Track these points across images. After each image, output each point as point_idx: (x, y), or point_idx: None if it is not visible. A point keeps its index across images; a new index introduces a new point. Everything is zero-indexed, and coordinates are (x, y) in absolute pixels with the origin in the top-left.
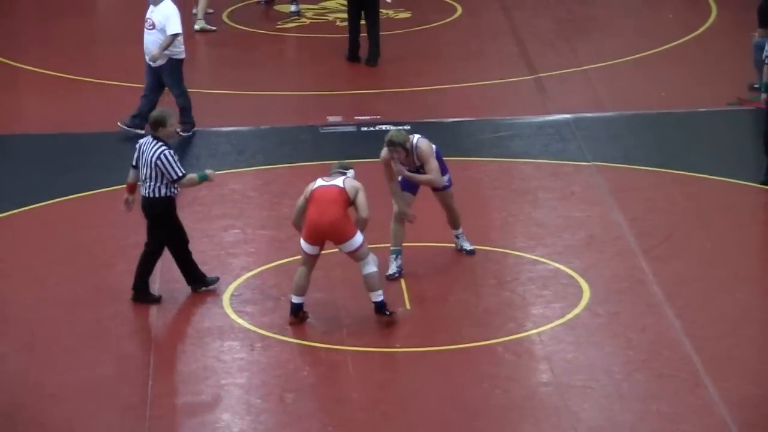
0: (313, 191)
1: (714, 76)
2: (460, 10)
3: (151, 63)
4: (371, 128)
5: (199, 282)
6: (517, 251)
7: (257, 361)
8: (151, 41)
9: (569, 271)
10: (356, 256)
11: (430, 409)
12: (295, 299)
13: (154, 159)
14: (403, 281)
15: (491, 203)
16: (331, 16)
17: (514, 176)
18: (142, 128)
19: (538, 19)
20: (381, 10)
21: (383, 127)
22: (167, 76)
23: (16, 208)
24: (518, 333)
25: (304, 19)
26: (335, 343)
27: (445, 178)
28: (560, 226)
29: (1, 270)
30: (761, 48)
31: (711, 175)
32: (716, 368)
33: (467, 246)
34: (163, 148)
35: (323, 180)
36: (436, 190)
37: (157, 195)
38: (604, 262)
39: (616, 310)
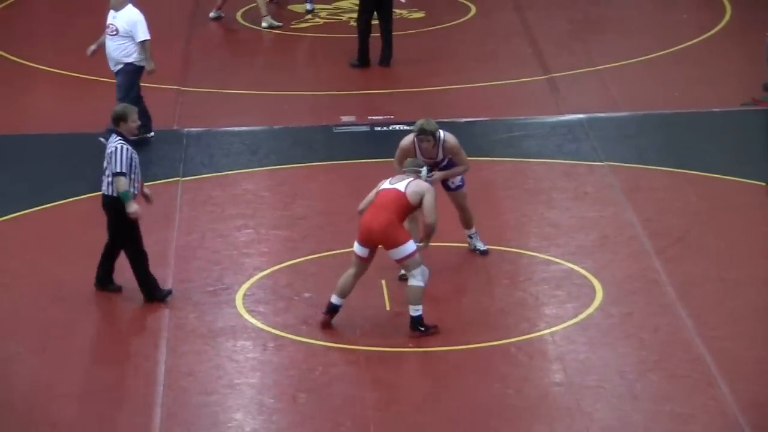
0: (378, 193)
1: (728, 76)
2: (473, 10)
3: (113, 69)
4: (384, 128)
5: (103, 282)
6: (531, 251)
7: (270, 360)
8: (114, 47)
9: (582, 272)
10: (404, 265)
11: (443, 409)
12: (335, 300)
13: (108, 152)
14: None
15: (504, 203)
16: (344, 16)
17: (527, 176)
18: (148, 131)
19: (551, 19)
20: (394, 10)
21: (396, 127)
22: (122, 76)
23: (30, 208)
24: (531, 333)
25: (317, 19)
26: (348, 343)
27: (458, 177)
28: (573, 227)
29: (14, 270)
30: None
31: (725, 175)
32: (729, 369)
33: (480, 246)
34: (120, 142)
35: (390, 181)
36: (449, 189)
37: (108, 190)
38: (617, 262)
39: (629, 311)
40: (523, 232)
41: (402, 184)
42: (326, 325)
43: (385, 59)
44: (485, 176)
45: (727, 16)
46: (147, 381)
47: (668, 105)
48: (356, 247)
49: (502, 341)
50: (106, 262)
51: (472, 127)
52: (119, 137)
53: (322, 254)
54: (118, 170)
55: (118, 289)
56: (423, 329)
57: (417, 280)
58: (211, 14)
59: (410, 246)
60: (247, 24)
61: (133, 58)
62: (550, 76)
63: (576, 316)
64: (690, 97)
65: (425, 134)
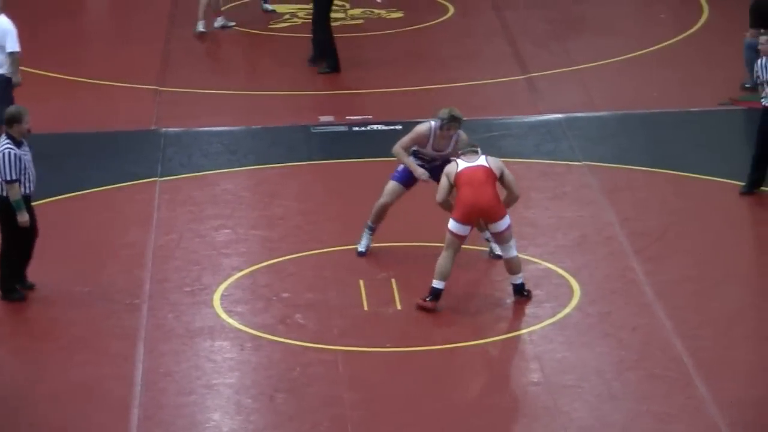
0: (458, 173)
1: (706, 75)
2: (452, 10)
3: None
4: (363, 128)
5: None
6: None
7: (248, 360)
8: None
9: (561, 271)
10: (504, 236)
11: (421, 408)
12: (440, 284)
13: None
14: (393, 281)
15: None
16: None
17: None
18: None
19: (530, 19)
20: (372, 10)
21: (375, 127)
22: None
23: None
24: (509, 333)
25: (296, 20)
26: (327, 343)
27: None
28: (552, 226)
29: None
30: (752, 48)
31: (703, 174)
32: (708, 368)
33: (497, 251)
34: (7, 146)
35: (464, 161)
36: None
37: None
38: (595, 262)
39: (607, 310)
40: None
41: (481, 160)
42: (432, 311)
43: (313, 60)
44: None
45: (705, 16)
46: (125, 381)
47: (647, 105)
48: (458, 228)
49: (481, 341)
50: (6, 271)
51: None
52: (7, 140)
53: (300, 254)
54: (8, 178)
55: (31, 287)
56: (527, 293)
57: (514, 250)
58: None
59: (508, 218)
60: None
61: (3, 69)
62: (528, 75)
63: (554, 315)
64: (668, 97)
65: (456, 122)
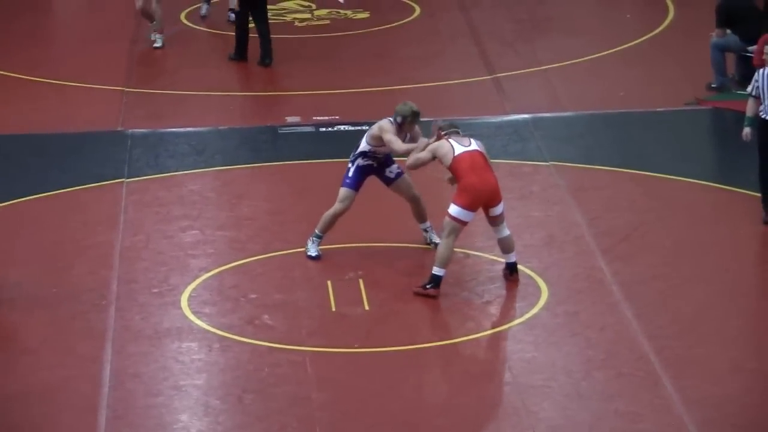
0: (457, 158)
1: (672, 75)
2: (418, 10)
3: None
4: (330, 129)
5: None
6: (476, 251)
7: (216, 361)
8: None
9: (528, 271)
10: (500, 218)
11: (389, 409)
12: (441, 271)
13: None
14: (361, 281)
15: (448, 204)
16: (289, 17)
17: None
18: None
19: (496, 19)
20: (339, 11)
21: (342, 127)
22: None
23: None
24: (477, 333)
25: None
26: (294, 343)
27: (394, 166)
28: (519, 226)
29: None
30: (719, 48)
31: (670, 174)
32: (675, 367)
33: (436, 239)
34: None
35: (458, 143)
36: (392, 181)
37: None
38: (563, 261)
39: (575, 310)
40: (469, 231)
41: (474, 144)
42: (434, 297)
43: (262, 59)
44: (430, 176)
45: (671, 16)
46: (92, 382)
47: (613, 104)
48: (464, 215)
49: (449, 341)
50: None
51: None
52: None
53: (268, 255)
54: None
55: None
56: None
57: (507, 229)
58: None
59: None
60: (192, 25)
61: None
62: (495, 76)
63: (522, 315)
64: (635, 97)
65: (418, 117)
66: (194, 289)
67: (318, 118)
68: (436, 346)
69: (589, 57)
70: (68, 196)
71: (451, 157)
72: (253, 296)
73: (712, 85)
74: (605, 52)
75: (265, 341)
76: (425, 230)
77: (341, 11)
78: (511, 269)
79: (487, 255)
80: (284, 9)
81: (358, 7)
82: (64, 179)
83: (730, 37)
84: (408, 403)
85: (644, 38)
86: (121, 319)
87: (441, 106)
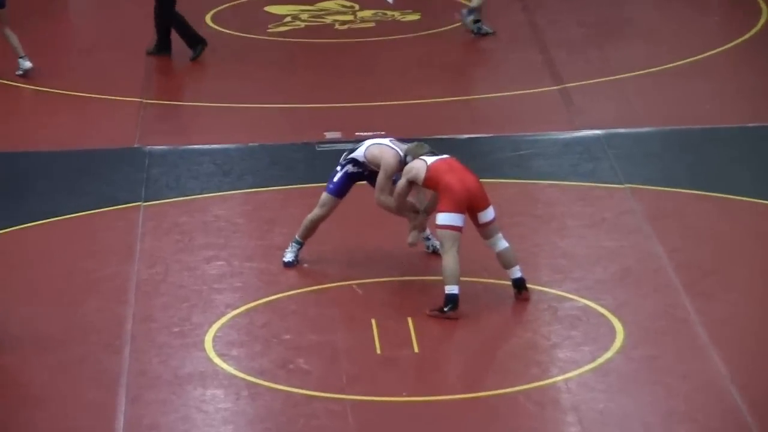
0: (431, 167)
1: (763, 87)
2: None
3: None
4: None
5: None
6: (541, 286)
7: (244, 411)
8: None
9: (601, 309)
10: (493, 227)
11: None
12: (455, 289)
13: None
14: (410, 320)
15: (511, 232)
16: (329, 19)
17: (537, 201)
18: None
19: (564, 22)
20: (386, 11)
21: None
22: None
23: None
24: (542, 380)
25: (298, 22)
26: (334, 391)
27: None
28: (590, 258)
29: None
30: None
31: (760, 199)
32: None
33: (437, 244)
34: None
35: (431, 156)
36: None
37: None
38: (640, 298)
39: (654, 354)
40: (533, 264)
41: (446, 156)
42: (456, 319)
43: (156, 48)
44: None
45: (764, 19)
46: None
47: (697, 119)
48: (453, 219)
49: (509, 389)
50: None
51: (474, 144)
52: None
53: (304, 289)
54: None
55: None
56: (527, 289)
57: (504, 240)
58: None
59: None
60: (218, 28)
61: None
62: (562, 86)
63: (593, 360)
64: (721, 111)
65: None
66: (220, 329)
67: (361, 133)
68: (495, 395)
69: (669, 65)
70: (78, 221)
71: (424, 168)
72: (287, 337)
73: None
74: (688, 60)
75: (300, 388)
76: (426, 238)
77: (388, 12)
78: (518, 286)
79: (553, 291)
80: (323, 10)
81: (407, 7)
82: (72, 203)
83: None
84: None
85: (733, 44)
86: (137, 363)
87: (499, 121)
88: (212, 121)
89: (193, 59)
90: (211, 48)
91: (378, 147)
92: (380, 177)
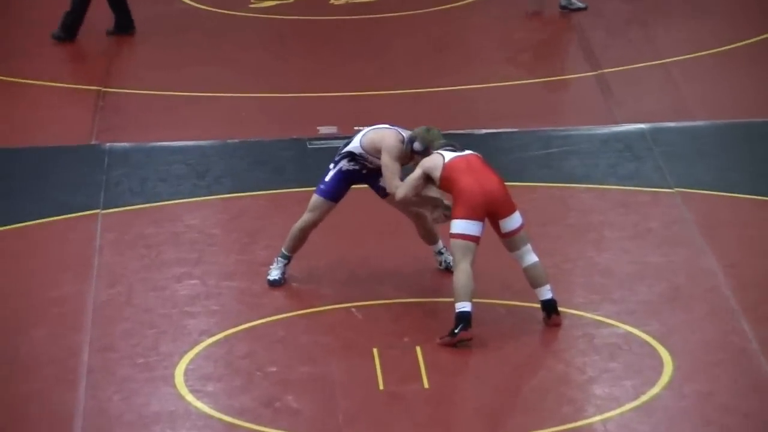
0: (448, 164)
1: None
2: None
3: None
4: None
5: None
6: (576, 309)
7: None
8: None
9: (645, 337)
10: (519, 237)
11: None
12: (467, 306)
13: None
14: (419, 349)
15: (539, 245)
16: None
17: (570, 207)
18: None
19: None
20: None
21: None
22: None
23: None
24: (576, 421)
25: None
26: None
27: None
28: (633, 276)
29: None
30: None
31: None
32: None
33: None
34: None
35: (449, 152)
36: (387, 194)
37: None
38: (692, 323)
39: (708, 390)
40: (566, 283)
41: (470, 151)
42: (469, 340)
43: (118, 27)
44: None
45: None
46: None
47: (759, 111)
48: (468, 227)
49: (539, 431)
50: None
51: (495, 140)
52: None
53: (292, 313)
54: None
55: None
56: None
57: (534, 253)
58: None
59: (519, 214)
60: (192, 3)
61: None
62: (600, 72)
63: (637, 397)
64: None
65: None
66: (193, 360)
67: (360, 128)
68: None
69: (726, 47)
70: (24, 233)
71: (441, 165)
72: (273, 369)
73: None
74: (747, 41)
75: (288, 430)
76: (438, 252)
77: None
78: (548, 309)
79: (589, 314)
80: None
81: None
82: (18, 210)
83: None
84: None
85: None
86: (95, 400)
87: (525, 112)
88: (184, 113)
89: (109, 34)
90: (183, 26)
91: (375, 131)
92: (384, 159)
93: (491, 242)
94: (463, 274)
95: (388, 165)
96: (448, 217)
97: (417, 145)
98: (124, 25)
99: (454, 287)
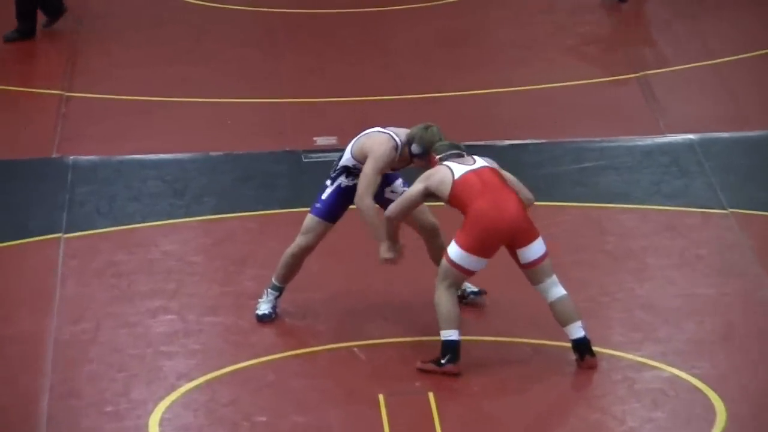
0: (458, 181)
1: None
2: None
3: None
4: None
5: None
6: (613, 350)
7: None
8: None
9: (694, 381)
10: (542, 268)
11: None
12: (455, 334)
13: None
14: (431, 395)
15: (571, 274)
16: None
17: (607, 231)
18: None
19: None
20: None
21: None
22: None
23: None
24: None
25: None
26: None
27: (398, 183)
28: (680, 310)
29: None
30: None
31: None
32: None
33: (472, 287)
34: None
35: (459, 165)
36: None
37: None
38: (748, 366)
39: None
40: (602, 319)
41: (479, 161)
42: (458, 375)
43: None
44: (541, 229)
45: None
46: None
47: None
48: (468, 261)
49: None
50: None
51: (520, 152)
52: None
53: (284, 354)
54: None
55: None
56: (592, 355)
57: (560, 285)
58: None
59: (542, 240)
60: None
61: None
62: (642, 74)
63: None
64: None
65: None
66: (169, 408)
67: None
68: None
69: None
70: None
71: (450, 181)
72: (262, 419)
73: None
74: None
75: None
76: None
77: None
78: (580, 349)
79: (629, 355)
80: None
81: None
82: None
83: None
84: None
85: None
86: None
87: (553, 121)
88: (160, 121)
89: (46, 26)
90: (159, 20)
91: (367, 136)
92: (367, 167)
93: (515, 269)
94: (445, 297)
95: (368, 174)
96: (395, 263)
97: (415, 148)
98: (26, 29)
99: (437, 311)
